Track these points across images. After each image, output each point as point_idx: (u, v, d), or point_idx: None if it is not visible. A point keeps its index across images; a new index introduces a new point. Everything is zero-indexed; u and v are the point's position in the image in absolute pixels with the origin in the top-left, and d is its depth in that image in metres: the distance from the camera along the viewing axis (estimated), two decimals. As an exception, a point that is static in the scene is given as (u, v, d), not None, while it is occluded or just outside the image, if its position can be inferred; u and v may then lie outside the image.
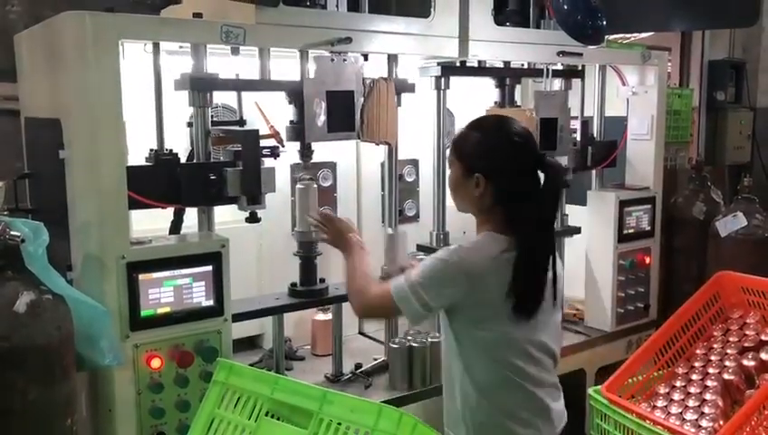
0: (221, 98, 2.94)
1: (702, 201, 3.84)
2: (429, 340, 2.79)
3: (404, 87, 2.76)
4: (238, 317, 2.38)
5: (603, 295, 3.44)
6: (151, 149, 2.36)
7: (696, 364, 3.16)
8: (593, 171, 3.58)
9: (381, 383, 2.81)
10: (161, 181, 2.27)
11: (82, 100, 2.06)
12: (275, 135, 2.62)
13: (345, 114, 2.50)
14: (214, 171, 2.32)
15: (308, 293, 2.70)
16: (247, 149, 2.33)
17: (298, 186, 2.69)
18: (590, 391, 3.08)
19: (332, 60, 2.46)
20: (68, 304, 1.92)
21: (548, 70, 3.14)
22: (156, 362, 2.13)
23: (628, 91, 3.62)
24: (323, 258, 2.78)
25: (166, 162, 2.29)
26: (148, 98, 2.35)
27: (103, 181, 2.05)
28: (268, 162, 2.45)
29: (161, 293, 2.13)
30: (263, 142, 2.46)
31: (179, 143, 2.49)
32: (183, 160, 2.42)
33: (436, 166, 3.04)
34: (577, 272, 3.63)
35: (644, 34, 3.88)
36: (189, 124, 2.46)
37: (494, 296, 1.90)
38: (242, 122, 2.63)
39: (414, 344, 2.77)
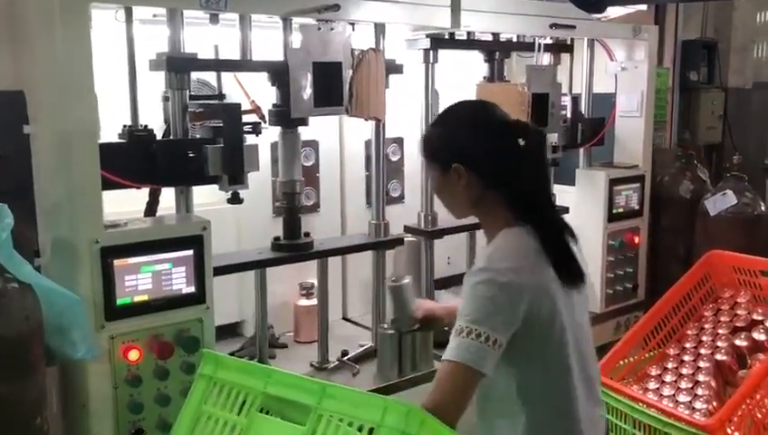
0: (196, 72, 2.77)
1: (689, 180, 3.78)
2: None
3: (392, 68, 2.61)
4: (218, 271, 2.22)
5: (592, 276, 3.36)
6: (124, 126, 2.19)
7: (688, 345, 3.10)
8: (581, 149, 3.49)
9: (369, 370, 2.70)
10: (136, 159, 2.11)
11: (50, 70, 1.89)
12: (256, 110, 2.46)
13: (333, 87, 2.35)
14: (193, 149, 2.16)
15: (292, 247, 2.56)
16: (229, 124, 2.17)
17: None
18: (580, 374, 3.01)
19: (319, 28, 2.30)
20: (36, 292, 1.76)
21: (539, 44, 3.02)
22: (133, 354, 1.98)
23: (616, 67, 3.53)
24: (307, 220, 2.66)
25: (140, 139, 2.13)
26: (118, 71, 2.18)
27: (74, 159, 1.88)
28: (250, 139, 2.30)
29: (138, 279, 1.97)
30: (243, 118, 2.32)
31: (153, 119, 2.33)
32: (158, 137, 2.25)
33: (424, 143, 2.91)
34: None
35: (622, 12, 3.79)
36: (166, 99, 2.30)
37: (549, 284, 1.70)
38: (221, 96, 2.47)
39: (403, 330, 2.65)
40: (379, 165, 2.78)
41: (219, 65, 2.33)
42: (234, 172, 2.19)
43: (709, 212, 3.48)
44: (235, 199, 2.27)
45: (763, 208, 3.48)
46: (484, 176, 1.74)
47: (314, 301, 2.99)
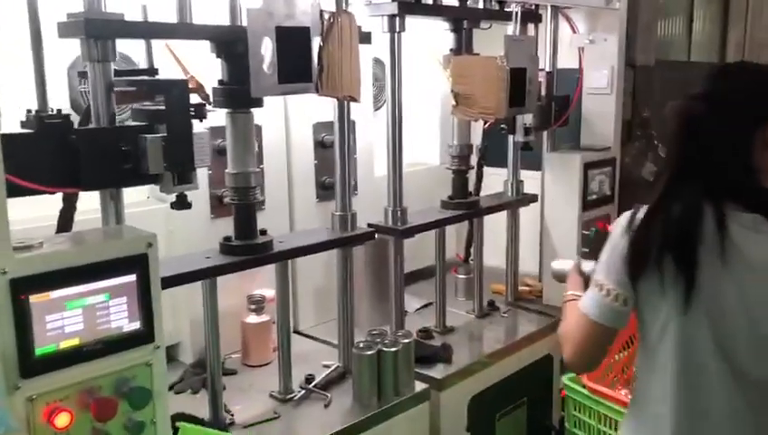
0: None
1: (651, 161, 3.56)
2: (401, 340, 2.28)
3: (360, 37, 2.17)
4: (166, 283, 1.75)
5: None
6: (29, 111, 1.65)
7: (675, 341, 2.88)
8: (545, 131, 3.18)
9: (343, 399, 2.26)
10: (49, 155, 1.59)
11: None
12: (199, 89, 1.97)
13: (300, 59, 1.89)
14: (126, 140, 1.65)
15: (249, 248, 2.09)
16: (175, 106, 1.68)
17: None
18: (564, 380, 2.72)
19: (283, -16, 1.84)
20: None
21: (516, 12, 2.67)
22: (62, 419, 1.46)
23: (581, 40, 3.23)
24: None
25: (54, 128, 1.60)
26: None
27: (-34, 158, 1.34)
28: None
29: (65, 319, 1.45)
30: (186, 99, 1.83)
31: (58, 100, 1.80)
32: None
33: (390, 126, 2.50)
34: (530, 244, 3.25)
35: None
36: (82, 74, 1.77)
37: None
38: (152, 72, 1.95)
39: (384, 348, 2.24)
40: (344, 148, 2.35)
41: (153, 30, 1.81)
42: (182, 168, 1.70)
43: (680, 195, 3.27)
44: (181, 203, 1.77)
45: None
46: None
47: (265, 317, 2.53)
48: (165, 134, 1.67)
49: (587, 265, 2.26)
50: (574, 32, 3.27)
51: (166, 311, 2.42)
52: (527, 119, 2.87)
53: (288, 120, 2.75)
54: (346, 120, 2.31)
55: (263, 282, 2.56)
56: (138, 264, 1.56)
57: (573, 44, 3.24)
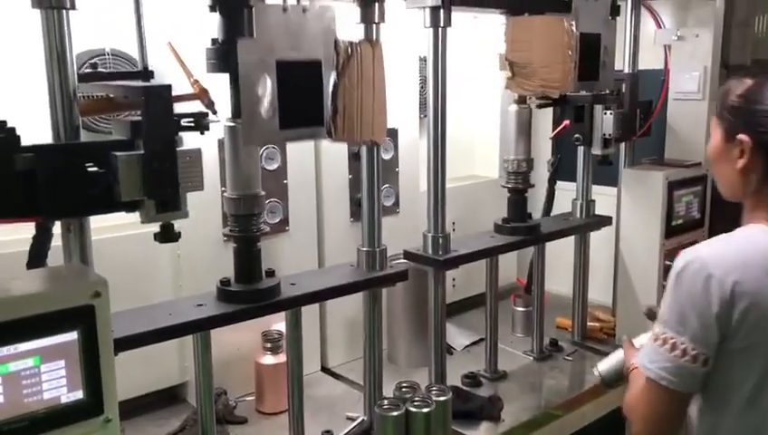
0: (109, 40, 1.94)
1: (750, 178, 3.03)
2: (435, 398, 1.89)
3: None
4: (124, 345, 1.46)
5: (644, 306, 2.60)
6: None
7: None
8: (622, 142, 2.71)
9: (364, 464, 1.91)
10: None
11: None
12: (201, 95, 1.64)
13: (308, 99, 1.55)
14: (94, 158, 1.34)
15: (248, 296, 1.74)
16: (154, 119, 1.35)
17: None
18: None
19: (285, 10, 1.49)
20: None
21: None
22: None
23: (668, 36, 2.75)
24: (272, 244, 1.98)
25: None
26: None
27: None
28: (191, 140, 1.49)
29: (-23, 391, 1.15)
30: (182, 108, 1.51)
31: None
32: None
33: (432, 137, 2.10)
34: (605, 267, 2.81)
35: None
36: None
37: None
38: (147, 74, 1.63)
39: (413, 409, 1.86)
40: (373, 169, 1.98)
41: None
42: (162, 194, 1.37)
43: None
44: (166, 234, 1.45)
45: None
46: None
47: (283, 357, 2.19)
48: (141, 152, 1.34)
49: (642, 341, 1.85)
50: (659, 27, 2.80)
51: (174, 348, 2.18)
52: (607, 127, 2.43)
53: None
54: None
55: (282, 315, 2.22)
56: (80, 318, 1.23)
57: (658, 42, 2.78)
